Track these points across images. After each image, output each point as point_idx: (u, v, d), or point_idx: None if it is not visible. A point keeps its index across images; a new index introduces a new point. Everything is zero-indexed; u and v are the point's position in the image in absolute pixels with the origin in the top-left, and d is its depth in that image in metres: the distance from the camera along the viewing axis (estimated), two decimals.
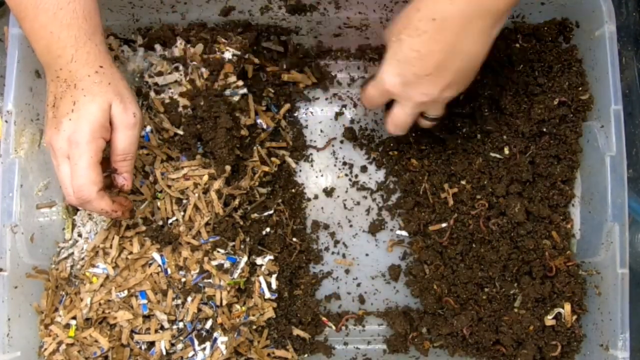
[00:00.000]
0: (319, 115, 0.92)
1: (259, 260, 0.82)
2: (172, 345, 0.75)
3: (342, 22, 0.85)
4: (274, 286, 0.81)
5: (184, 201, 0.78)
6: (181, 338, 0.75)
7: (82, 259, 0.78)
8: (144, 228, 0.77)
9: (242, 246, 0.79)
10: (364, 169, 0.90)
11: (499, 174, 0.82)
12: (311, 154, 0.91)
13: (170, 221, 0.78)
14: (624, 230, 0.72)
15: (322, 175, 0.90)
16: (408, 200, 0.86)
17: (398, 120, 0.73)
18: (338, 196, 0.90)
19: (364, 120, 0.91)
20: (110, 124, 0.64)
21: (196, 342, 0.75)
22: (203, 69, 0.80)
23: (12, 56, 0.73)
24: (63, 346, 0.74)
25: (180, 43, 0.82)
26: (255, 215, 0.82)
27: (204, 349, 0.75)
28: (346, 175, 0.90)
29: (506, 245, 0.80)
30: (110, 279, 0.76)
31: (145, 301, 0.75)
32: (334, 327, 0.86)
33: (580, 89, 0.80)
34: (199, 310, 0.75)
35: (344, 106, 0.91)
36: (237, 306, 0.77)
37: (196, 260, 0.76)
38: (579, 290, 0.77)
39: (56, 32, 0.61)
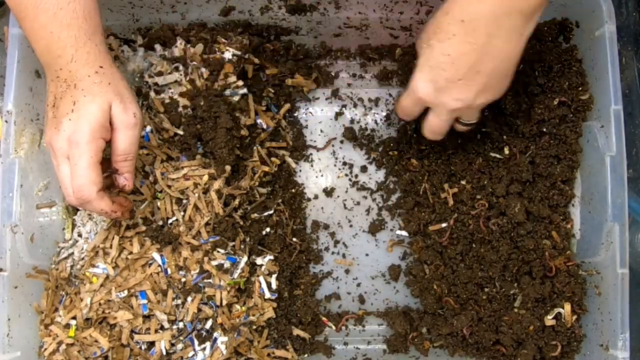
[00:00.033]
0: (319, 115, 0.92)
1: (259, 260, 0.82)
2: (172, 345, 0.75)
3: (342, 22, 0.85)
4: (274, 286, 0.81)
5: (184, 201, 0.78)
6: (181, 338, 0.75)
7: (82, 259, 0.78)
8: (144, 228, 0.77)
9: (242, 246, 0.79)
10: (364, 169, 0.90)
11: (499, 174, 0.82)
12: (311, 154, 0.91)
13: (170, 221, 0.78)
14: (624, 230, 0.72)
15: (322, 175, 0.90)
16: (408, 200, 0.86)
17: (434, 128, 0.71)
18: (338, 196, 0.90)
19: (364, 120, 0.91)
20: (110, 124, 0.64)
21: (196, 342, 0.75)
22: (203, 69, 0.80)
23: (12, 56, 0.73)
24: (63, 346, 0.74)
25: (180, 43, 0.82)
26: (255, 215, 0.82)
27: (204, 349, 0.75)
28: (346, 175, 0.90)
29: (506, 245, 0.80)
30: (110, 279, 0.76)
31: (145, 301, 0.75)
32: (334, 327, 0.86)
33: (580, 89, 0.80)
34: (199, 310, 0.75)
35: (344, 106, 0.91)
36: (237, 306, 0.77)
37: (196, 260, 0.76)
38: (579, 290, 0.77)
39: (56, 32, 0.61)
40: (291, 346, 0.82)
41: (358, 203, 0.89)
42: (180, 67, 0.81)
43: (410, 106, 0.71)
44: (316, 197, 0.90)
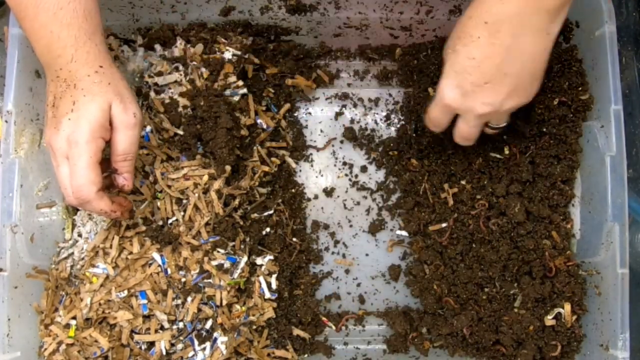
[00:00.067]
0: (319, 115, 0.92)
1: (259, 260, 0.82)
2: (172, 345, 0.75)
3: (342, 22, 0.85)
4: (274, 286, 0.81)
5: (184, 201, 0.78)
6: (181, 338, 0.75)
7: (82, 259, 0.78)
8: (144, 228, 0.77)
9: (242, 246, 0.79)
10: (364, 169, 0.90)
11: (499, 174, 0.82)
12: (311, 154, 0.91)
13: (170, 221, 0.78)
14: (624, 230, 0.72)
15: (322, 175, 0.90)
16: (408, 200, 0.86)
17: (464, 134, 0.70)
18: (338, 196, 0.90)
19: (364, 120, 0.91)
20: (110, 124, 0.64)
21: (196, 342, 0.75)
22: (203, 69, 0.80)
23: (12, 56, 0.73)
24: (63, 346, 0.74)
25: (180, 43, 0.82)
26: (255, 215, 0.82)
27: (204, 349, 0.75)
28: (346, 175, 0.90)
29: (506, 245, 0.80)
30: (110, 279, 0.76)
31: (145, 301, 0.75)
32: (334, 327, 0.86)
33: (580, 89, 0.80)
34: (199, 310, 0.75)
35: (344, 106, 0.91)
36: (237, 306, 0.77)
37: (196, 260, 0.76)
38: (579, 290, 0.77)
39: (56, 31, 0.61)
40: (291, 346, 0.82)
41: (358, 203, 0.89)
42: (180, 67, 0.81)
43: (439, 115, 0.69)
44: (316, 197, 0.90)
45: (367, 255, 0.89)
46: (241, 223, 0.80)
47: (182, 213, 0.77)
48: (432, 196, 0.85)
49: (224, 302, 0.75)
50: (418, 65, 0.88)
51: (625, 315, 0.71)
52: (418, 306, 0.87)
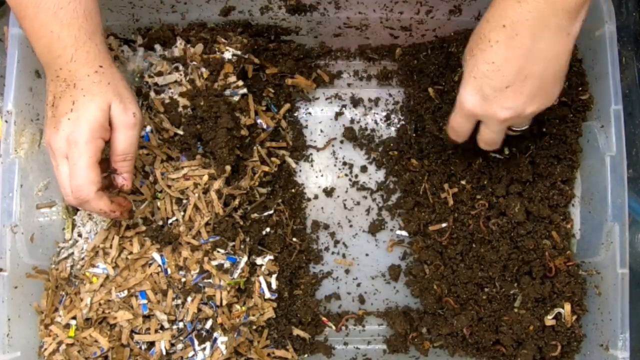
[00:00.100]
0: (319, 115, 0.92)
1: (259, 260, 0.82)
2: (172, 345, 0.75)
3: (342, 22, 0.85)
4: (274, 286, 0.81)
5: (184, 201, 0.78)
6: (181, 338, 0.75)
7: (82, 259, 0.78)
8: (144, 228, 0.77)
9: (242, 246, 0.79)
10: (364, 169, 0.90)
11: (499, 174, 0.82)
12: (311, 154, 0.91)
13: (170, 221, 0.78)
14: (624, 230, 0.72)
15: (322, 175, 0.90)
16: (408, 200, 0.86)
17: (487, 140, 0.69)
18: (338, 196, 0.90)
19: (364, 120, 0.91)
20: (110, 124, 0.64)
21: (196, 342, 0.75)
22: (203, 69, 0.80)
23: (12, 56, 0.73)
24: (63, 346, 0.74)
25: (180, 43, 0.82)
26: (255, 215, 0.82)
27: (204, 349, 0.75)
28: (346, 175, 0.90)
29: (506, 245, 0.80)
30: (110, 279, 0.76)
31: (145, 301, 0.75)
32: (334, 327, 0.86)
33: (580, 89, 0.80)
34: (199, 310, 0.75)
35: (344, 106, 0.91)
36: (237, 306, 0.77)
37: (196, 260, 0.76)
38: (579, 290, 0.77)
39: (56, 31, 0.61)
40: (291, 346, 0.82)
41: (358, 203, 0.89)
42: (180, 67, 0.81)
43: (461, 123, 0.68)
44: (316, 197, 0.90)
45: (367, 255, 0.89)
46: (241, 223, 0.80)
47: (182, 213, 0.77)
48: (432, 196, 0.85)
49: (224, 302, 0.75)
50: (418, 65, 0.88)
51: (625, 315, 0.71)
52: (418, 306, 0.87)
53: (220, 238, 0.77)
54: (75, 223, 0.81)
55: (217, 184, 0.78)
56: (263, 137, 0.85)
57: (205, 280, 0.76)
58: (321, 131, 0.91)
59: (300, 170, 0.90)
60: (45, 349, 0.74)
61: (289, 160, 0.89)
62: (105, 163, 0.67)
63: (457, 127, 0.69)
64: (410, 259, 0.88)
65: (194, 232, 0.77)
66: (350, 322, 0.87)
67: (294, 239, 0.85)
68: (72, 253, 0.78)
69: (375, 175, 0.90)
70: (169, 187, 0.78)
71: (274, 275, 0.82)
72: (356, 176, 0.90)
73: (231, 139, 0.78)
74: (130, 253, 0.76)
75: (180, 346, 0.75)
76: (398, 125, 0.90)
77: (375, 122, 0.91)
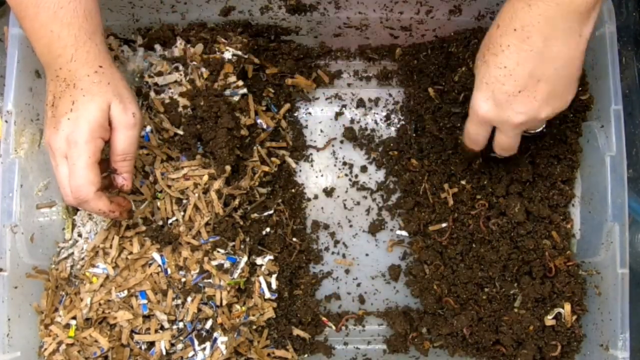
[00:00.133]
0: (319, 115, 0.92)
1: (259, 260, 0.82)
2: (172, 345, 0.75)
3: (342, 22, 0.85)
4: (274, 286, 0.81)
5: (184, 201, 0.78)
6: (181, 338, 0.75)
7: (82, 259, 0.78)
8: (144, 228, 0.77)
9: (242, 246, 0.79)
10: (364, 169, 0.90)
11: (499, 174, 0.82)
12: (311, 154, 0.91)
13: (170, 221, 0.78)
14: (624, 230, 0.72)
15: (322, 175, 0.90)
16: (408, 200, 0.86)
17: (504, 146, 0.68)
18: (338, 196, 0.90)
19: (364, 120, 0.91)
20: (109, 124, 0.64)
21: (196, 342, 0.75)
22: (203, 69, 0.80)
23: (12, 56, 0.73)
24: (63, 346, 0.74)
25: (180, 43, 0.82)
26: (255, 215, 0.82)
27: (204, 349, 0.75)
28: (346, 175, 0.90)
29: (506, 245, 0.80)
30: (110, 279, 0.76)
31: (145, 301, 0.75)
32: (334, 327, 0.86)
33: (580, 89, 0.80)
34: (199, 310, 0.75)
35: (344, 106, 0.91)
36: (237, 306, 0.77)
37: (196, 260, 0.76)
38: (579, 290, 0.77)
39: (56, 30, 0.61)
40: (291, 346, 0.82)
41: (358, 203, 0.89)
42: (180, 67, 0.81)
43: (476, 131, 0.67)
44: (316, 197, 0.90)
45: (367, 255, 0.89)
46: (241, 223, 0.80)
47: (182, 213, 0.77)
48: (432, 196, 0.85)
49: (224, 302, 0.75)
50: (418, 65, 0.88)
51: (625, 315, 0.71)
52: (418, 306, 0.87)
53: (220, 238, 0.77)
54: (75, 223, 0.81)
55: (217, 184, 0.78)
56: (263, 137, 0.85)
57: (205, 280, 0.76)
58: (321, 131, 0.91)
59: (300, 170, 0.90)
60: (45, 349, 0.74)
61: (289, 160, 0.89)
62: (105, 163, 0.67)
63: (473, 135, 0.68)
64: (410, 259, 0.88)
65: (194, 232, 0.77)
66: (350, 322, 0.87)
67: (294, 239, 0.85)
68: (72, 253, 0.78)
69: (375, 175, 0.90)
70: (169, 187, 0.78)
71: (274, 275, 0.82)
72: (356, 176, 0.90)
73: (231, 139, 0.78)
74: (130, 253, 0.76)
75: (180, 346, 0.75)
76: (398, 125, 0.90)
77: (375, 122, 0.91)
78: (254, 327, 0.79)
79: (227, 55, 0.81)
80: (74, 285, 0.77)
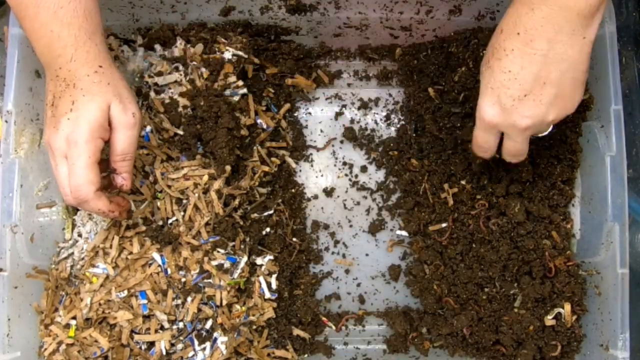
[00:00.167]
0: (319, 115, 0.92)
1: (259, 260, 0.82)
2: (172, 345, 0.75)
3: (342, 22, 0.85)
4: (274, 286, 0.81)
5: (184, 201, 0.78)
6: (181, 338, 0.75)
7: (82, 259, 0.78)
8: (144, 228, 0.77)
9: (242, 246, 0.79)
10: (364, 169, 0.90)
11: (499, 174, 0.82)
12: (311, 154, 0.91)
13: (170, 221, 0.78)
14: (624, 230, 0.72)
15: (322, 175, 0.90)
16: (408, 200, 0.86)
17: (512, 152, 0.67)
18: (338, 196, 0.90)
19: (364, 120, 0.91)
20: (109, 124, 0.64)
21: (196, 342, 0.75)
22: (203, 69, 0.80)
23: (12, 56, 0.73)
24: (63, 346, 0.74)
25: (180, 43, 0.82)
26: (255, 215, 0.82)
27: (204, 349, 0.75)
28: (346, 175, 0.90)
29: (506, 245, 0.80)
30: (110, 279, 0.76)
31: (145, 301, 0.75)
32: (334, 327, 0.86)
33: None
34: (199, 310, 0.75)
35: (344, 106, 0.91)
36: (237, 306, 0.77)
37: (196, 260, 0.76)
38: (579, 290, 0.77)
39: (56, 30, 0.61)
40: (291, 346, 0.82)
41: (358, 203, 0.89)
42: (180, 67, 0.81)
43: (484, 137, 0.66)
44: (316, 197, 0.90)
45: (367, 255, 0.89)
46: (241, 223, 0.80)
47: (182, 213, 0.77)
48: (432, 196, 0.85)
49: (224, 302, 0.75)
50: (418, 65, 0.88)
51: (625, 315, 0.71)
52: (418, 306, 0.87)
53: (220, 238, 0.77)
54: (75, 223, 0.81)
55: (217, 184, 0.78)
56: (263, 137, 0.85)
57: (205, 280, 0.76)
58: (321, 131, 0.91)
59: (300, 170, 0.90)
60: (45, 349, 0.74)
61: (289, 160, 0.89)
62: (104, 163, 0.67)
63: (481, 142, 0.67)
64: (410, 259, 0.88)
65: (194, 232, 0.77)
66: (350, 322, 0.87)
67: (294, 239, 0.85)
68: (72, 253, 0.78)
69: (375, 175, 0.90)
70: (169, 187, 0.78)
71: (274, 275, 0.82)
72: (356, 176, 0.90)
73: (231, 139, 0.78)
74: (130, 253, 0.76)
75: (180, 346, 0.75)
76: (398, 125, 0.90)
77: (375, 122, 0.91)
78: (254, 327, 0.79)
79: (227, 55, 0.81)
80: (74, 285, 0.77)
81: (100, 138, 0.63)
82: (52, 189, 0.79)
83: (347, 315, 0.87)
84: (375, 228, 0.88)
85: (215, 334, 0.75)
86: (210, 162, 0.79)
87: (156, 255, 0.76)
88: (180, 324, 0.75)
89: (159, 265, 0.76)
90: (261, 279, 0.80)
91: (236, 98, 0.81)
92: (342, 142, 0.91)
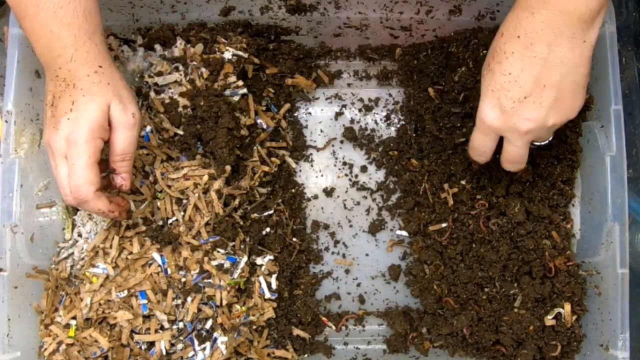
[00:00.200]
0: (319, 115, 0.92)
1: (259, 260, 0.82)
2: (172, 345, 0.75)
3: (342, 22, 0.85)
4: (274, 286, 0.81)
5: (184, 201, 0.78)
6: (181, 338, 0.75)
7: (82, 259, 0.78)
8: (144, 228, 0.77)
9: (242, 246, 0.79)
10: (364, 169, 0.90)
11: (499, 174, 0.82)
12: (311, 154, 0.91)
13: (170, 221, 0.78)
14: (624, 230, 0.72)
15: (322, 175, 0.90)
16: (408, 200, 0.86)
17: (512, 158, 0.67)
18: (338, 196, 0.90)
19: (364, 120, 0.91)
20: (109, 124, 0.64)
21: (196, 342, 0.75)
22: (203, 69, 0.80)
23: (12, 56, 0.73)
24: (63, 346, 0.74)
25: (180, 43, 0.82)
26: (255, 215, 0.82)
27: (204, 349, 0.75)
28: (346, 175, 0.90)
29: (506, 245, 0.80)
30: (110, 279, 0.76)
31: (145, 301, 0.75)
32: (334, 327, 0.86)
33: None
34: (199, 310, 0.75)
35: (344, 106, 0.91)
36: (237, 306, 0.77)
37: (196, 260, 0.76)
38: (579, 290, 0.77)
39: (56, 30, 0.61)
40: (291, 346, 0.82)
41: (358, 203, 0.89)
42: (180, 67, 0.81)
43: (482, 141, 0.66)
44: (316, 197, 0.90)
45: (367, 255, 0.89)
46: (241, 223, 0.80)
47: (182, 213, 0.77)
48: (432, 196, 0.85)
49: (224, 302, 0.75)
50: (418, 65, 0.88)
51: (625, 315, 0.71)
52: (418, 306, 0.87)
53: (220, 238, 0.77)
54: (75, 223, 0.81)
55: (217, 184, 0.78)
56: (263, 137, 0.85)
57: (205, 280, 0.76)
58: (321, 131, 0.91)
59: (300, 170, 0.90)
60: (45, 349, 0.74)
61: (289, 160, 0.89)
62: (104, 163, 0.67)
63: (479, 145, 0.67)
64: (410, 259, 0.88)
65: (194, 232, 0.77)
66: (350, 322, 0.87)
67: (294, 239, 0.85)
68: (72, 253, 0.78)
69: (375, 175, 0.90)
70: (169, 187, 0.78)
71: (274, 275, 0.82)
72: (356, 176, 0.90)
73: (231, 139, 0.78)
74: (130, 253, 0.76)
75: (180, 346, 0.75)
76: (398, 125, 0.90)
77: (375, 122, 0.91)
78: (254, 327, 0.79)
79: (227, 55, 0.81)
80: (74, 285, 0.77)
81: (100, 138, 0.63)
82: (52, 189, 0.79)
83: (347, 315, 0.87)
84: (375, 228, 0.88)
85: (215, 334, 0.75)
86: (210, 162, 0.79)
87: (156, 255, 0.76)
88: (180, 324, 0.75)
89: (159, 265, 0.76)
90: (261, 279, 0.80)
91: (236, 98, 0.81)
92: (342, 142, 0.91)
